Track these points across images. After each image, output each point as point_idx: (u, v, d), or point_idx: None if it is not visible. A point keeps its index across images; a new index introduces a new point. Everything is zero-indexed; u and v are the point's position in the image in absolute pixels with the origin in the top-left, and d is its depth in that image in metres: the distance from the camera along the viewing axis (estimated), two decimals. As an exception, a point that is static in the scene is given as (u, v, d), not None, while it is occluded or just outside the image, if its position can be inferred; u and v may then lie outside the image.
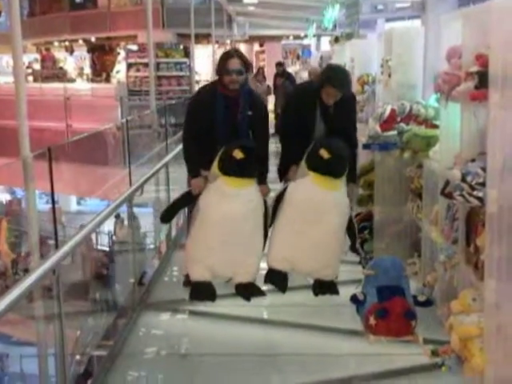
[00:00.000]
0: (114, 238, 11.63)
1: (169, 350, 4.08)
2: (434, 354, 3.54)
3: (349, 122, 4.50)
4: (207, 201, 4.15)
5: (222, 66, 4.23)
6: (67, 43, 28.69)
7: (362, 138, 4.90)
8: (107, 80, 25.32)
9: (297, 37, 27.34)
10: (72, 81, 25.91)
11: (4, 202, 13.49)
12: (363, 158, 5.50)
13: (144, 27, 11.15)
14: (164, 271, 5.50)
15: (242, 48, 28.06)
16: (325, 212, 4.14)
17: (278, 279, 4.30)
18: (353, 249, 4.52)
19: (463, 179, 3.17)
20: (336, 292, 4.30)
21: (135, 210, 5.55)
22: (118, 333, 4.22)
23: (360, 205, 5.66)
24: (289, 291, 4.31)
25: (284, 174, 4.51)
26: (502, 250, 3.01)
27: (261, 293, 4.27)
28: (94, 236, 9.56)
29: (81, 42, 27.87)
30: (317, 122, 4.39)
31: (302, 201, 4.18)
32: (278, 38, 27.55)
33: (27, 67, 25.28)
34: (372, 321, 3.87)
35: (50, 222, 5.13)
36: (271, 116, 12.60)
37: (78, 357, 4.30)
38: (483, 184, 3.07)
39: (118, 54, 26.12)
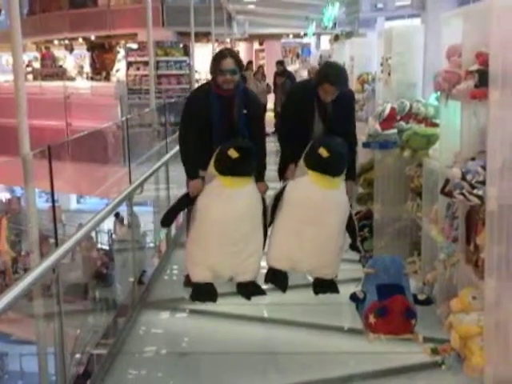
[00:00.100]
0: (113, 236, 11.65)
1: (169, 349, 4.07)
2: (434, 352, 3.55)
3: (347, 119, 4.48)
4: (205, 201, 4.15)
5: (215, 66, 4.21)
6: (67, 41, 28.68)
7: (361, 137, 4.89)
8: (107, 78, 25.32)
9: (296, 35, 27.36)
10: (72, 79, 25.89)
11: (3, 201, 13.50)
12: (363, 156, 5.48)
13: (144, 26, 11.16)
14: (164, 270, 5.49)
15: (242, 46, 28.11)
16: (324, 211, 4.14)
17: (278, 278, 4.31)
18: (353, 246, 4.53)
19: (463, 178, 3.17)
20: (336, 290, 4.31)
21: (135, 208, 5.55)
22: (117, 331, 4.21)
23: (360, 203, 5.65)
24: (289, 290, 4.31)
25: (284, 173, 4.51)
26: (501, 248, 3.01)
27: (261, 292, 4.28)
28: (93, 235, 9.57)
29: (80, 40, 27.87)
30: (315, 120, 4.37)
31: (300, 200, 4.18)
32: (277, 37, 27.56)
33: (27, 66, 25.28)
34: (372, 319, 3.87)
35: (49, 221, 5.13)
36: (271, 115, 12.58)
37: (77, 355, 4.31)
38: (483, 182, 3.08)
39: (118, 52, 26.17)
